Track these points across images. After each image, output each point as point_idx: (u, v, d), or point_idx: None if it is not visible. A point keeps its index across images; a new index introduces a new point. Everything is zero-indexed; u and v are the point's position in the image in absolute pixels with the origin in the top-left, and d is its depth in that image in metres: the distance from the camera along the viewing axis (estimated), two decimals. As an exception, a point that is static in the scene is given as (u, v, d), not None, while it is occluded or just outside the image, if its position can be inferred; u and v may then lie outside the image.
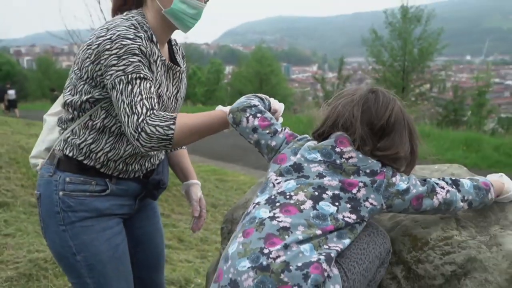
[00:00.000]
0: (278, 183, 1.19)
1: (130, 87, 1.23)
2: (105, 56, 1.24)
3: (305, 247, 1.04)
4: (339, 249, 1.06)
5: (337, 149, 1.16)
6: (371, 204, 1.12)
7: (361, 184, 1.12)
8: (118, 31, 1.25)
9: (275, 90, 26.30)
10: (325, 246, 1.06)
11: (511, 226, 1.13)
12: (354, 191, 1.12)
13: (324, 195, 1.12)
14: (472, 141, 10.11)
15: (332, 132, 1.21)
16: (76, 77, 1.33)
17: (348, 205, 1.11)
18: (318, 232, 1.06)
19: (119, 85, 1.23)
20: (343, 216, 1.09)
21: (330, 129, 1.21)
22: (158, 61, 1.34)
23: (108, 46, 1.24)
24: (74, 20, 10.24)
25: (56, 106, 1.53)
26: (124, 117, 1.22)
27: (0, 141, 5.63)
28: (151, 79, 1.28)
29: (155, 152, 1.48)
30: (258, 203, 1.17)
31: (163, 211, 4.53)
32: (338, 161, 1.15)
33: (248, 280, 1.03)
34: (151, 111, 1.22)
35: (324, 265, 1.01)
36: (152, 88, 1.27)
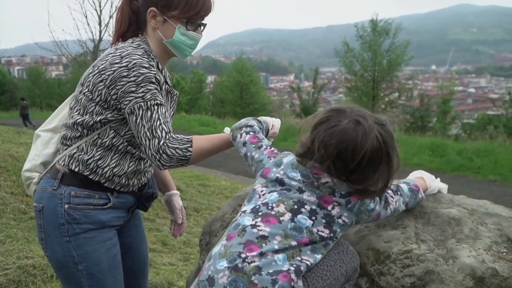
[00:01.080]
0: (263, 194, 1.21)
1: (149, 113, 1.29)
2: (123, 83, 1.28)
3: (279, 256, 1.06)
4: (309, 263, 1.08)
5: (315, 175, 1.17)
6: (343, 221, 1.14)
7: (335, 203, 1.14)
8: (133, 59, 1.29)
9: (255, 99, 26.38)
10: (298, 258, 1.07)
11: (466, 239, 1.15)
12: (329, 208, 1.14)
13: (303, 209, 1.13)
14: (437, 146, 10.23)
15: (313, 156, 1.18)
16: (86, 99, 1.34)
17: (323, 220, 1.12)
18: (294, 243, 1.08)
19: (139, 110, 1.28)
20: (318, 230, 1.11)
21: (312, 155, 1.18)
22: (163, 87, 1.38)
23: (125, 73, 1.27)
24: (62, 32, 10.13)
25: (50, 123, 1.53)
26: (145, 140, 1.28)
27: None
28: (165, 104, 1.35)
29: (150, 168, 1.53)
30: (244, 211, 1.20)
31: (148, 216, 4.48)
32: (315, 183, 1.16)
33: (223, 278, 1.07)
34: (170, 134, 1.31)
35: (293, 276, 1.04)
36: (167, 113, 1.35)
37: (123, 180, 1.41)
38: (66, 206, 1.34)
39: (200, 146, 1.34)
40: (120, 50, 1.32)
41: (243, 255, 1.08)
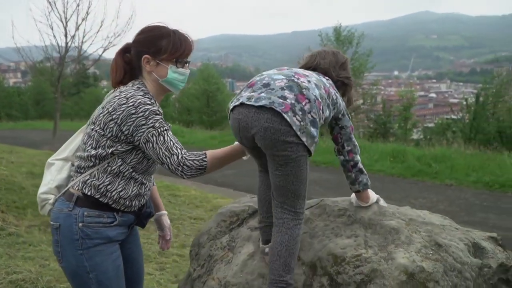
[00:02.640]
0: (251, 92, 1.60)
1: (162, 137, 1.57)
2: (133, 119, 1.56)
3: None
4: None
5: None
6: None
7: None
8: (137, 99, 1.58)
9: (222, 106, 26.52)
10: None
11: (402, 245, 1.50)
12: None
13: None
14: (398, 152, 10.50)
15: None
16: (98, 135, 1.62)
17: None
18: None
19: (153, 137, 1.57)
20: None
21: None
22: (162, 115, 1.68)
23: (133, 111, 1.56)
24: (24, 40, 10.04)
25: (62, 153, 1.80)
26: (166, 158, 1.57)
27: None
28: (170, 129, 1.64)
29: (149, 191, 1.81)
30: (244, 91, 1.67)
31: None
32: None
33: (281, 82, 1.51)
34: (183, 150, 1.60)
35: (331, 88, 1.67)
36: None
37: (127, 202, 1.69)
38: (80, 224, 1.62)
39: (213, 155, 1.63)
40: (124, 93, 1.61)
41: (296, 76, 1.55)
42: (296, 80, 1.56)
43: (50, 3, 9.96)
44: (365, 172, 1.78)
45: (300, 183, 1.51)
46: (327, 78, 1.75)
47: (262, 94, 1.52)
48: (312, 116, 1.49)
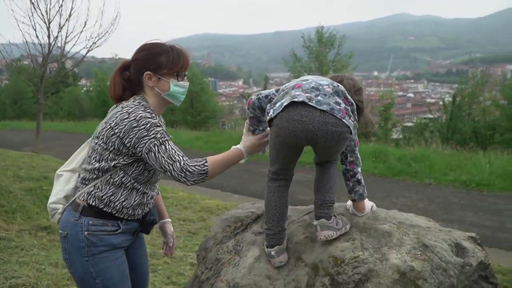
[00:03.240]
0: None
1: (163, 146, 1.66)
2: (134, 132, 1.64)
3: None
4: None
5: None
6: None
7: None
8: (138, 113, 1.67)
9: (205, 107, 26.51)
10: None
11: (394, 246, 1.66)
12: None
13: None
14: (380, 152, 10.60)
15: None
16: (101, 149, 1.71)
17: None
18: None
19: (155, 147, 1.65)
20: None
21: None
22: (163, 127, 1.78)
23: (135, 125, 1.65)
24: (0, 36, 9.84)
25: (69, 165, 1.90)
26: (168, 166, 1.64)
27: None
28: (171, 139, 1.73)
29: (152, 200, 1.90)
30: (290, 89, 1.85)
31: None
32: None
33: (328, 88, 1.72)
34: (185, 157, 1.68)
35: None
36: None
37: (130, 211, 1.79)
38: (86, 233, 1.71)
39: (213, 160, 1.71)
40: (126, 108, 1.70)
41: (336, 83, 1.79)
42: (337, 86, 1.79)
43: (32, 3, 9.88)
44: (363, 184, 1.96)
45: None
46: None
47: (319, 98, 1.70)
48: (354, 114, 1.76)
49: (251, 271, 1.78)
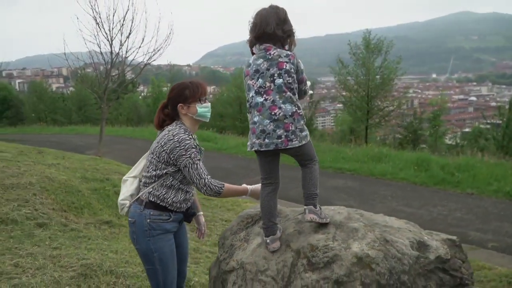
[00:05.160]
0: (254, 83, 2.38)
1: (195, 165, 2.37)
2: (177, 150, 2.36)
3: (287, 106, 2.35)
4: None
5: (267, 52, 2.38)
6: (293, 70, 2.38)
7: (285, 62, 2.36)
8: (180, 136, 2.41)
9: (254, 112, 27.07)
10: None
11: (358, 239, 2.24)
12: (285, 66, 2.35)
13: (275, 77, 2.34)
14: (422, 161, 10.77)
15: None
16: (156, 161, 2.44)
17: (286, 75, 2.34)
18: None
19: (189, 165, 2.37)
20: (287, 82, 2.36)
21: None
22: (196, 148, 2.49)
23: (177, 145, 2.36)
24: (63, 44, 11.07)
25: (132, 172, 2.63)
26: (197, 180, 2.37)
27: (29, 172, 6.48)
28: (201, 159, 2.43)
29: (192, 197, 2.61)
30: (252, 96, 2.39)
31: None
32: (269, 57, 2.36)
33: (269, 126, 2.30)
34: (209, 176, 2.39)
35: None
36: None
37: (178, 205, 2.50)
38: (148, 220, 2.45)
39: (228, 187, 2.43)
40: (171, 131, 2.43)
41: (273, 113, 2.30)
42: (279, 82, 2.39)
43: (98, 24, 11.13)
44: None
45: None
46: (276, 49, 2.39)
47: (266, 141, 2.39)
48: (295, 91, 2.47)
49: (253, 254, 2.44)
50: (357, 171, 10.85)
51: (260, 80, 2.34)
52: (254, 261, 2.37)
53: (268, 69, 2.33)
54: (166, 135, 2.42)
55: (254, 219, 2.75)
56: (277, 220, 2.51)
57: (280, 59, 2.32)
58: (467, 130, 31.06)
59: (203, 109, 2.50)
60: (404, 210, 7.29)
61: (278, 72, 2.31)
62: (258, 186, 2.59)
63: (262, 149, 2.34)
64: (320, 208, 2.45)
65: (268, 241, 2.43)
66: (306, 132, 2.37)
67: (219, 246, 2.76)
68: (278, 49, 2.36)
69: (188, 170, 2.35)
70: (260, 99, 2.33)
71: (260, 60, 2.36)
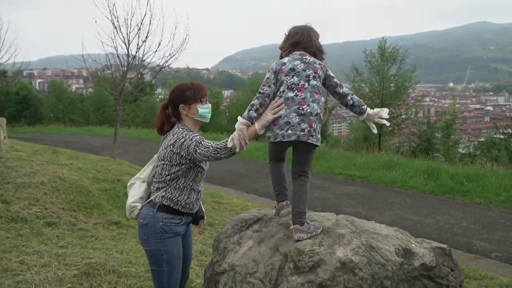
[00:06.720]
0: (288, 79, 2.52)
1: (201, 144, 2.40)
2: (184, 144, 2.41)
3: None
4: None
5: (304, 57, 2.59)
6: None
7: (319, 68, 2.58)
8: (184, 133, 2.45)
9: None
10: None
11: (344, 245, 2.30)
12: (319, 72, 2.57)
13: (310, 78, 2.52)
14: (432, 170, 10.65)
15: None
16: (168, 166, 2.50)
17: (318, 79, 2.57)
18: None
19: (196, 147, 2.39)
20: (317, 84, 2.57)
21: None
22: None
23: (183, 140, 2.41)
24: (82, 45, 11.32)
25: (140, 175, 2.70)
26: (208, 153, 2.37)
27: (42, 171, 6.60)
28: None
29: (202, 196, 2.67)
30: (283, 91, 2.50)
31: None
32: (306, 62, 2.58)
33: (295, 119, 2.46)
34: (215, 142, 2.41)
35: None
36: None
37: (190, 205, 2.57)
38: (160, 223, 2.50)
39: (236, 139, 2.43)
40: (176, 135, 2.49)
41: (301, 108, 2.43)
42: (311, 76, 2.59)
43: (115, 27, 11.36)
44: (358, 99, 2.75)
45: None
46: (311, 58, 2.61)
47: (289, 132, 2.51)
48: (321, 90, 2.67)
49: (244, 256, 2.52)
50: (368, 178, 10.81)
51: (295, 77, 2.51)
52: (244, 264, 2.45)
53: (304, 70, 2.53)
54: (173, 139, 2.48)
55: (247, 223, 2.83)
56: (286, 185, 2.75)
57: (315, 65, 2.57)
58: (481, 139, 30.58)
59: (204, 110, 2.55)
60: (411, 218, 7.28)
61: (313, 74, 2.53)
62: (261, 118, 2.55)
63: (284, 140, 2.44)
64: (308, 223, 2.52)
65: (284, 204, 2.72)
66: (320, 138, 2.54)
67: (214, 249, 2.84)
68: (312, 57, 2.61)
69: (200, 151, 2.38)
70: (291, 94, 2.48)
71: (297, 62, 2.56)
